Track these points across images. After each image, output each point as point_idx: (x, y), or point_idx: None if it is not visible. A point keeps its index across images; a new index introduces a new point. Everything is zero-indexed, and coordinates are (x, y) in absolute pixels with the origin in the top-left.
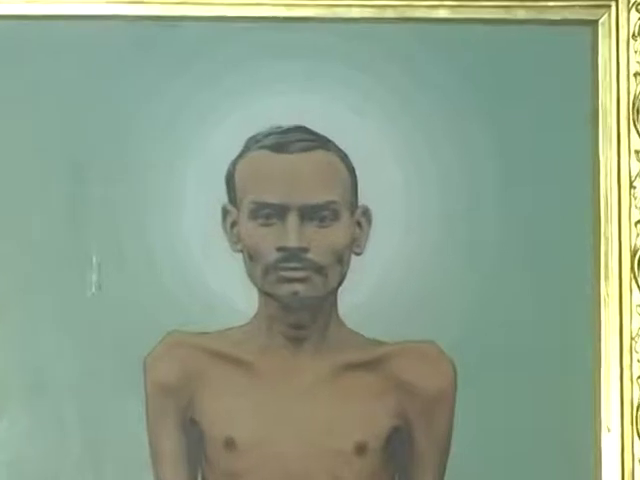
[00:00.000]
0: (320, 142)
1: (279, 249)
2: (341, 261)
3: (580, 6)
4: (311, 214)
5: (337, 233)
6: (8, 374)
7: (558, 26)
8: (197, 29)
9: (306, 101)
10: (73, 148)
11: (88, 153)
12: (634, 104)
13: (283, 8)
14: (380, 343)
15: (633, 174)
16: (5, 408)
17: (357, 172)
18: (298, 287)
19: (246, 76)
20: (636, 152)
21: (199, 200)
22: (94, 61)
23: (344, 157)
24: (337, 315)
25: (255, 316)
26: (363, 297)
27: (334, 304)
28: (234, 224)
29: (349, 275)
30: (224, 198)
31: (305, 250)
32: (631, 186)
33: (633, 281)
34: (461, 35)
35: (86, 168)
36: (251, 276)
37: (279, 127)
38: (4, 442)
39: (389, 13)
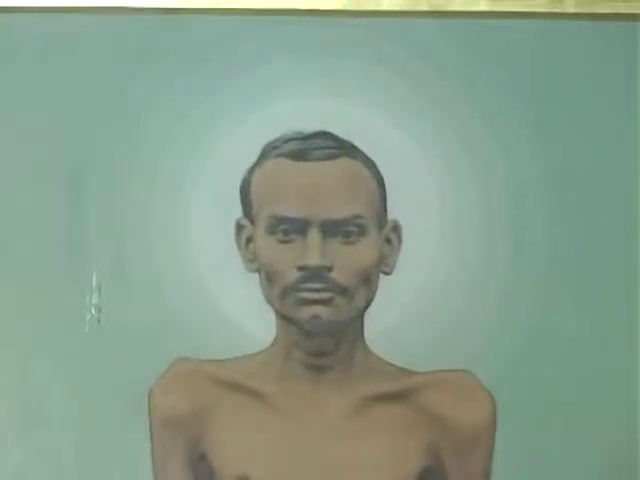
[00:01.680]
0: (344, 149)
1: (299, 268)
2: (368, 281)
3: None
4: (334, 229)
5: (364, 250)
6: (1, 406)
7: (611, 21)
8: (210, 23)
9: (329, 103)
10: (71, 155)
11: (87, 161)
12: None
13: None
14: (411, 373)
15: None
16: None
17: (386, 182)
18: (320, 310)
19: (263, 75)
20: None
21: (210, 214)
22: (93, 59)
23: (371, 166)
24: (363, 341)
25: (273, 342)
26: (392, 321)
27: (360, 329)
28: (249, 240)
29: (377, 297)
30: (238, 212)
31: (328, 269)
32: None
33: None
34: (503, 31)
35: (85, 177)
36: (268, 298)
37: (299, 132)
38: None
39: (423, 6)
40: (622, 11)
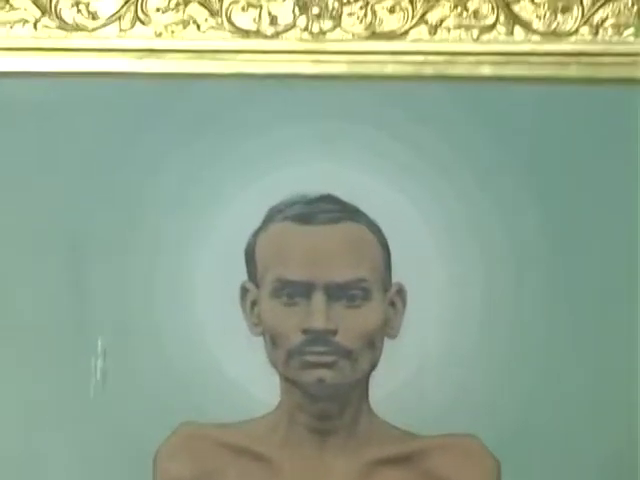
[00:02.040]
0: (348, 213)
1: (304, 331)
2: (373, 345)
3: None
4: (339, 293)
5: (368, 314)
6: (5, 472)
7: (615, 84)
8: (214, 88)
9: (333, 168)
10: (75, 219)
11: (92, 225)
12: None
13: (309, 64)
14: (415, 436)
15: None
16: None
17: (390, 246)
18: (325, 373)
19: (268, 139)
20: None
21: (215, 277)
22: (97, 123)
23: (375, 229)
24: (368, 405)
25: (277, 406)
26: (397, 385)
27: (365, 392)
28: (254, 304)
29: (382, 360)
30: (243, 275)
31: (332, 332)
32: None
33: None
34: (507, 95)
35: (90, 242)
36: (273, 361)
37: (304, 196)
38: None
39: (427, 70)
40: (626, 75)
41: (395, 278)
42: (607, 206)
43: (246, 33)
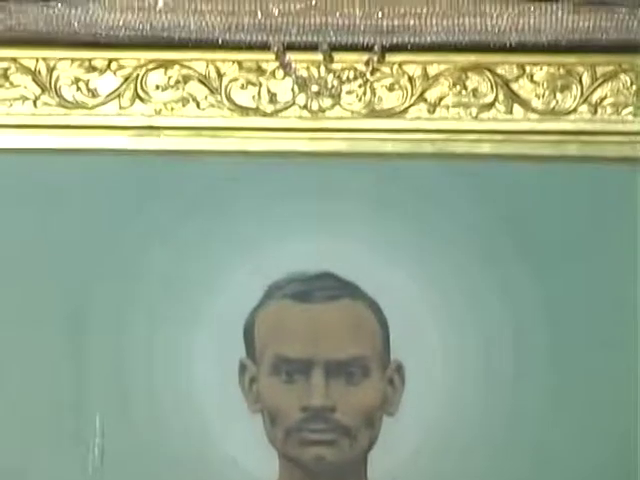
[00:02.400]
0: (347, 290)
1: (303, 409)
2: (371, 423)
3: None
4: (338, 370)
5: (367, 392)
6: None
7: (614, 163)
8: (213, 165)
9: (332, 245)
10: (73, 294)
11: (90, 300)
12: None
13: (308, 141)
14: None
15: None
16: None
17: (389, 323)
18: (324, 451)
19: (267, 216)
20: None
21: (213, 354)
22: (97, 200)
23: (374, 307)
24: None
25: None
26: (396, 463)
27: (363, 470)
28: (253, 381)
29: (380, 438)
30: (241, 352)
31: (331, 410)
32: None
33: None
34: (506, 173)
35: (88, 317)
36: (271, 439)
37: (302, 274)
38: None
39: (427, 148)
40: (625, 154)
41: (394, 355)
42: (606, 284)
43: (245, 111)
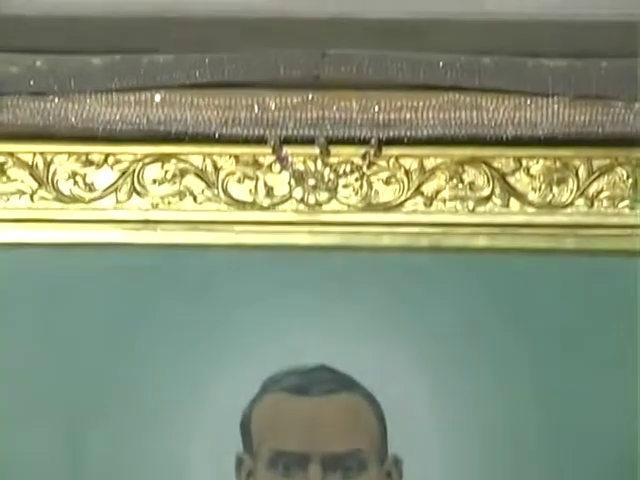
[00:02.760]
0: (344, 384)
1: None
2: None
3: (636, 235)
4: (335, 464)
5: None
6: None
7: (611, 257)
8: (210, 259)
9: (330, 338)
10: (70, 391)
11: (87, 396)
12: None
13: (305, 235)
14: None
15: None
16: None
17: (386, 416)
18: None
19: (264, 310)
20: None
21: (210, 447)
22: (94, 295)
23: (372, 400)
24: None
25: None
26: None
27: None
28: (250, 475)
29: None
30: (238, 445)
31: None
32: None
33: None
34: (502, 267)
35: (85, 413)
36: None
37: (299, 367)
38: None
39: (423, 242)
40: (622, 248)
41: (391, 449)
42: (604, 374)
43: (242, 205)
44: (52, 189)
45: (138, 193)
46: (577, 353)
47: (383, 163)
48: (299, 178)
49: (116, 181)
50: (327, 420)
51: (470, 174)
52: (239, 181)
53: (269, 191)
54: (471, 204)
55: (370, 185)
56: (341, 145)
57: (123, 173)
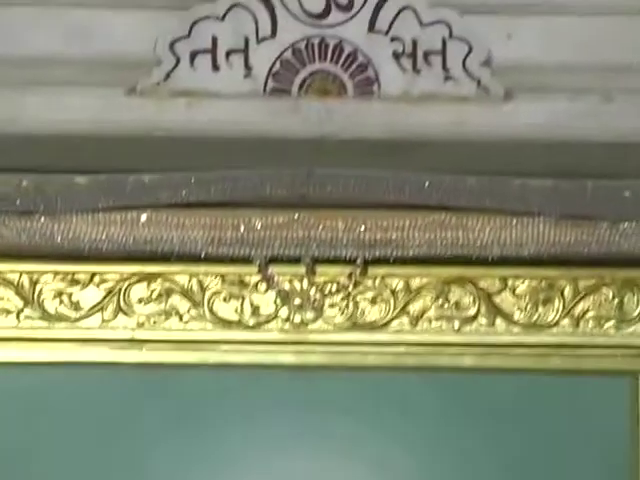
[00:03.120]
0: None
1: None
2: None
3: (621, 355)
4: None
5: None
6: None
7: (596, 376)
8: (196, 377)
9: (316, 462)
10: None
11: None
12: None
13: (291, 354)
14: None
15: None
16: None
17: None
18: None
19: (250, 429)
20: None
21: None
22: (81, 413)
23: None
24: None
25: None
26: None
27: None
28: None
29: None
30: None
31: None
32: None
33: None
34: (488, 385)
35: None
36: None
37: None
38: None
39: (409, 361)
40: (607, 367)
41: None
42: None
43: (228, 324)
44: (38, 308)
45: (124, 312)
46: (564, 469)
47: (369, 282)
48: (285, 297)
49: (102, 300)
50: None
51: (456, 294)
52: (225, 300)
53: (255, 310)
54: (457, 324)
55: (356, 304)
56: (327, 264)
57: (109, 292)
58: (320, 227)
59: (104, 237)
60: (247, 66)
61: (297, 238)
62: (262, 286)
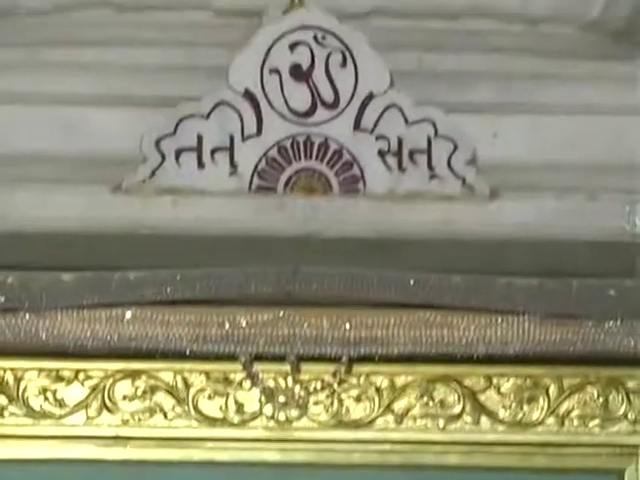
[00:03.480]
0: None
1: None
2: None
3: (606, 454)
4: None
5: None
6: None
7: (581, 475)
8: (181, 475)
9: None
10: None
11: None
12: None
13: (276, 452)
14: None
15: None
16: None
17: None
18: None
19: None
20: None
21: None
22: None
23: None
24: None
25: None
26: None
27: None
28: None
29: None
30: None
31: None
32: None
33: None
34: None
35: None
36: None
37: None
38: None
39: (394, 459)
40: (592, 466)
41: None
42: None
43: (213, 421)
44: (22, 405)
45: (108, 409)
46: None
47: (354, 380)
48: (269, 395)
49: (87, 397)
50: None
51: (441, 392)
52: (210, 398)
53: (239, 408)
54: (442, 422)
55: (341, 402)
56: (312, 362)
57: (94, 389)
58: (305, 325)
59: (89, 334)
60: (232, 164)
61: (282, 336)
62: (247, 383)
